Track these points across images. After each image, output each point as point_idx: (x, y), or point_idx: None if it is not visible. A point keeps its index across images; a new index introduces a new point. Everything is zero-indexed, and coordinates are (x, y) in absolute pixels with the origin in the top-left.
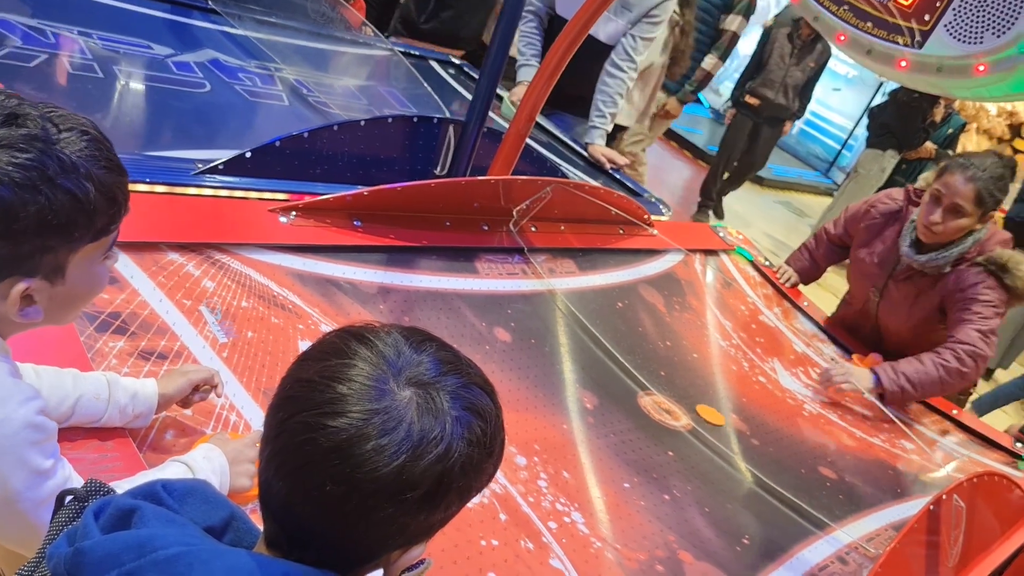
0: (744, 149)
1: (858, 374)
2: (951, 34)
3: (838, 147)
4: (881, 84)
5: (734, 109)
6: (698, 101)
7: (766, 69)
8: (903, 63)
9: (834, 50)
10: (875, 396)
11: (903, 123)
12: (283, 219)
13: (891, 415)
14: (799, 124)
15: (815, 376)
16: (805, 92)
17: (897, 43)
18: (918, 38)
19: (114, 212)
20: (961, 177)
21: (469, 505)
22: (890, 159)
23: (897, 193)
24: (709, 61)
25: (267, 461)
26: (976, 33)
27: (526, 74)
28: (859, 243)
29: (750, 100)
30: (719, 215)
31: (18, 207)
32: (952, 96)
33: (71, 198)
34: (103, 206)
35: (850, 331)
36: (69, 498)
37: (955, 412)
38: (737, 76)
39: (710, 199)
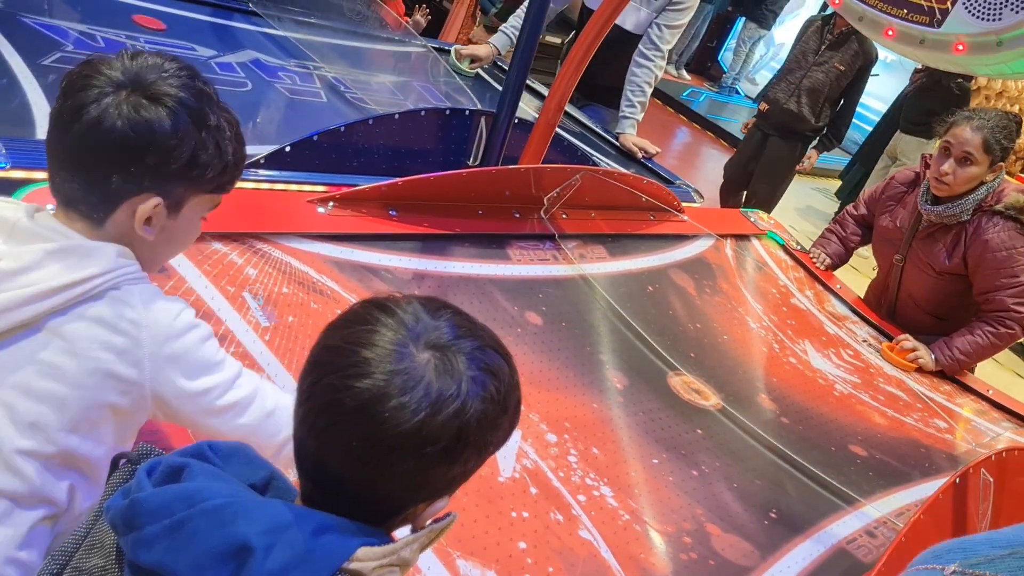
0: (752, 168)
1: (924, 353)
2: (969, 11)
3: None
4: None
5: (755, 117)
6: (736, 91)
7: (783, 69)
8: (922, 42)
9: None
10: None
11: (949, 107)
12: (321, 209)
13: (923, 395)
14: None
15: (847, 357)
16: (842, 108)
17: (917, 23)
18: (937, 16)
19: (233, 175)
20: (968, 127)
21: (500, 479)
22: (932, 145)
23: (916, 165)
24: None
25: (299, 422)
26: (994, 9)
27: (498, 39)
28: (882, 212)
29: (761, 106)
30: None
31: (185, 133)
32: (973, 73)
33: (216, 148)
34: (231, 166)
35: (872, 305)
36: (123, 461)
37: (990, 392)
38: (776, 66)
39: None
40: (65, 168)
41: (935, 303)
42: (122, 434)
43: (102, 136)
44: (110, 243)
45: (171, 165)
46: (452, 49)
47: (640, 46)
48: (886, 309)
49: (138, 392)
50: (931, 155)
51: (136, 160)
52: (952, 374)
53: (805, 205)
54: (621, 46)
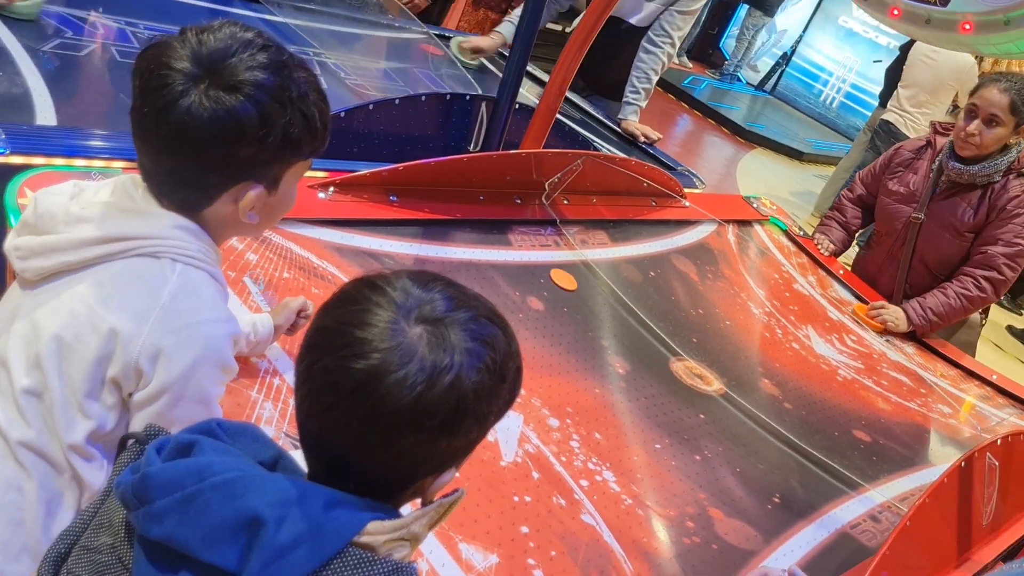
0: None
1: (893, 311)
2: None
3: None
4: None
5: None
6: (737, 79)
7: None
8: (928, 21)
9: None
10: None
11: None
12: (322, 195)
13: (928, 380)
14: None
15: (850, 342)
16: None
17: (922, 2)
18: None
19: (324, 138)
20: (996, 89)
21: (502, 464)
22: None
23: (921, 137)
24: None
25: (299, 405)
26: None
27: (504, 28)
28: (890, 177)
29: None
30: None
31: (273, 117)
32: (981, 53)
33: (304, 119)
34: (320, 131)
35: (872, 277)
36: (131, 441)
37: (994, 377)
38: (778, 53)
39: None
40: (160, 171)
41: (951, 267)
42: (117, 420)
43: (191, 138)
44: (174, 215)
45: (265, 152)
46: (453, 41)
47: (650, 32)
48: (893, 278)
49: (124, 367)
50: (940, 123)
51: (229, 155)
52: (923, 335)
53: (807, 191)
54: (633, 43)
